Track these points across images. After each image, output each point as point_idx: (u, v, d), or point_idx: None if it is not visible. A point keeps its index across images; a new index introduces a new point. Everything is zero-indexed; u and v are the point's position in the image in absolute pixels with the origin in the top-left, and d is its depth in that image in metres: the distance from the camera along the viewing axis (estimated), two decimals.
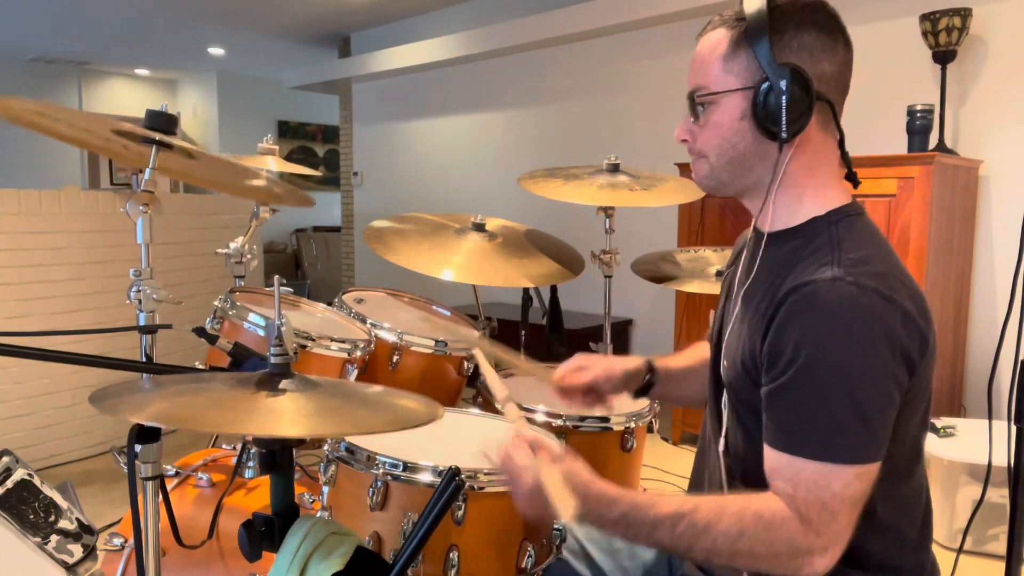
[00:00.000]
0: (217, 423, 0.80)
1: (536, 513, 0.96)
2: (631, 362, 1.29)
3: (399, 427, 0.87)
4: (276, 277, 1.00)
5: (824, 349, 0.86)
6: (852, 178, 1.01)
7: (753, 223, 1.07)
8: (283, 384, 0.89)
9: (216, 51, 7.37)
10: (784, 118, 0.92)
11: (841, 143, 1.00)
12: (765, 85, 0.92)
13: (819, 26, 0.94)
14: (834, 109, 0.96)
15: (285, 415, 0.83)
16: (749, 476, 0.98)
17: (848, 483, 0.86)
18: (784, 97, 0.91)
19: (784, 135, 0.93)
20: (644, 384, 1.30)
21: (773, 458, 0.90)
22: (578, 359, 1.29)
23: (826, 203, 0.98)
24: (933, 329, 0.91)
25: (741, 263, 1.07)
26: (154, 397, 0.87)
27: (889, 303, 0.87)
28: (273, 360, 0.92)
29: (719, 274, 2.24)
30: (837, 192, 0.99)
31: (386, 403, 0.98)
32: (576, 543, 1.22)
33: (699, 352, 1.33)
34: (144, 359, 1.32)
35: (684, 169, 3.42)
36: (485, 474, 1.08)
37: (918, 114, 2.85)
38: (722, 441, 1.03)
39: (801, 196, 0.99)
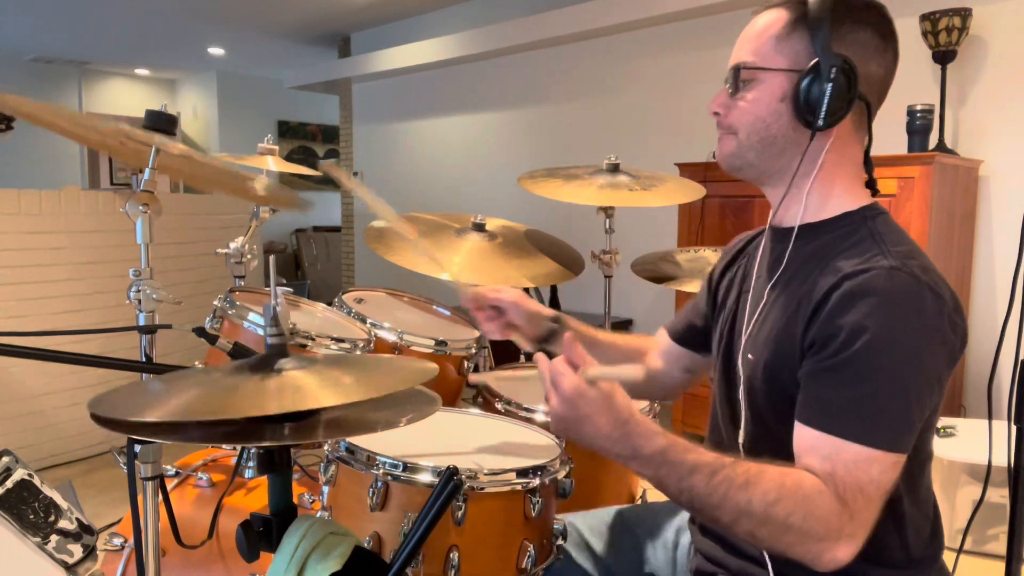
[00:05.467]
0: (222, 410, 0.79)
1: (569, 417, 0.90)
2: (539, 306, 1.29)
3: (412, 383, 0.86)
4: (271, 257, 0.99)
5: (884, 334, 0.85)
6: (871, 185, 1.02)
7: (769, 221, 1.07)
8: (280, 363, 0.88)
9: (216, 51, 7.37)
10: (824, 107, 0.92)
11: (867, 148, 1.00)
12: (810, 71, 0.92)
13: (875, 27, 0.95)
14: (870, 112, 0.97)
15: (290, 391, 0.82)
16: None
17: (885, 470, 0.85)
18: (829, 85, 0.91)
19: (820, 123, 0.92)
20: (546, 331, 1.28)
21: (809, 437, 0.88)
22: (503, 287, 1.30)
23: (856, 200, 0.98)
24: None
25: (759, 257, 1.07)
26: (154, 398, 0.86)
27: (938, 298, 0.88)
28: (270, 341, 0.90)
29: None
30: (863, 191, 1.00)
31: (392, 366, 0.98)
32: (579, 536, 1.22)
33: (639, 340, 1.34)
34: (144, 359, 1.32)
35: (684, 169, 3.42)
36: (485, 474, 1.08)
37: (918, 114, 2.85)
38: (741, 440, 1.02)
39: (830, 190, 0.99)
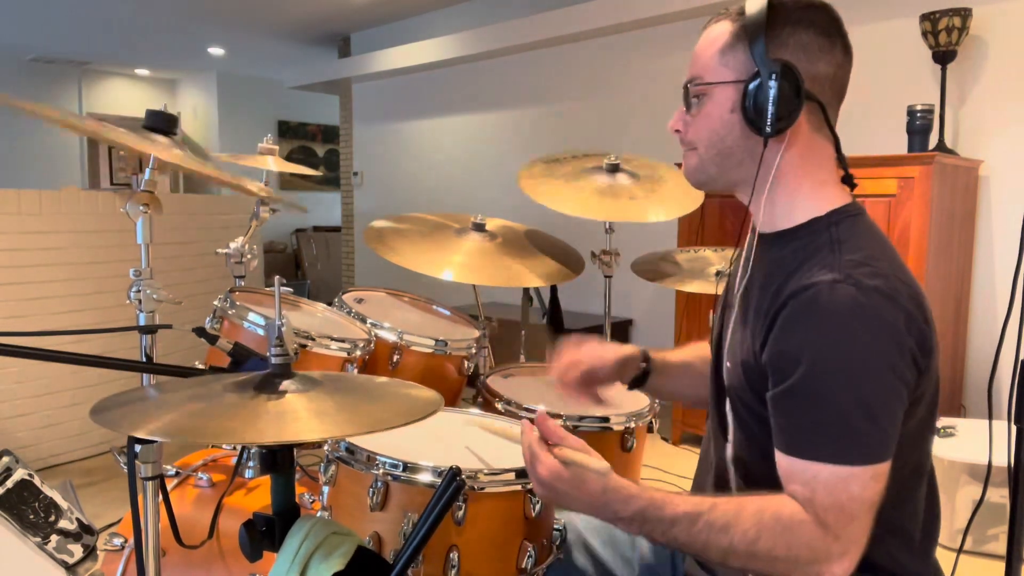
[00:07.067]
0: (220, 433, 0.80)
1: (550, 495, 0.97)
2: (625, 349, 1.28)
3: (408, 420, 0.86)
4: (276, 277, 1.00)
5: (829, 352, 0.86)
6: (848, 181, 1.01)
7: (751, 224, 1.07)
8: (284, 385, 0.89)
9: (216, 51, 7.37)
10: (770, 113, 0.92)
11: (837, 146, 0.99)
12: (755, 79, 0.93)
13: (817, 27, 0.95)
14: (826, 111, 0.96)
15: (289, 419, 0.83)
16: (754, 480, 0.98)
17: (865, 485, 0.85)
18: (771, 92, 0.92)
19: (768, 130, 0.93)
20: (639, 373, 1.29)
21: (787, 463, 0.89)
22: (569, 353, 1.28)
23: (825, 203, 0.98)
24: (934, 331, 0.91)
25: (739, 263, 1.08)
26: (155, 410, 0.86)
27: (891, 302, 0.87)
28: (274, 360, 0.91)
29: (719, 274, 2.24)
30: (836, 192, 0.99)
31: (392, 394, 0.98)
32: (577, 534, 1.22)
33: (698, 350, 1.33)
34: (144, 359, 1.32)
35: None
36: (486, 474, 1.08)
37: (918, 114, 2.85)
38: (729, 448, 1.02)
39: (795, 195, 0.98)
